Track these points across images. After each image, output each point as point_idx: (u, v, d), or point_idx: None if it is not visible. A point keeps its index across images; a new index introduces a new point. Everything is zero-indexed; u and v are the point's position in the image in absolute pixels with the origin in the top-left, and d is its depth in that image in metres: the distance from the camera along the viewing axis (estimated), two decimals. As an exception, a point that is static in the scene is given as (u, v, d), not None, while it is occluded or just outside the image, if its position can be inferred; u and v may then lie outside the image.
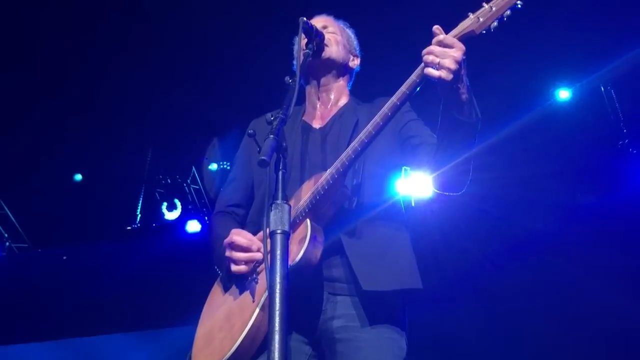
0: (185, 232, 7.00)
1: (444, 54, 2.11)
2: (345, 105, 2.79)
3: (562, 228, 6.51)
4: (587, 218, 6.52)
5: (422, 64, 2.18)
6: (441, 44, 2.13)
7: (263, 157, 1.85)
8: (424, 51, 2.16)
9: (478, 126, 2.25)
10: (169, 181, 7.04)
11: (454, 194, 2.49)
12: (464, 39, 2.18)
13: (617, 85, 6.12)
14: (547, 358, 6.50)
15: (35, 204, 7.07)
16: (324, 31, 2.71)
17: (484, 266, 6.70)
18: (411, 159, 2.59)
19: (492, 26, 2.17)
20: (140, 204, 6.93)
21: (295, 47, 2.91)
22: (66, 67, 6.22)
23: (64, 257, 7.46)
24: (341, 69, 2.82)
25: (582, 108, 6.22)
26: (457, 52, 2.12)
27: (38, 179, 6.97)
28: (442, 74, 2.11)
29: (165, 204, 6.99)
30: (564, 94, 6.21)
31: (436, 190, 2.51)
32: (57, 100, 6.44)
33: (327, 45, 2.70)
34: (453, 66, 2.10)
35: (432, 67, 2.12)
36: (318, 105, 2.81)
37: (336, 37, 2.80)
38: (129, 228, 6.92)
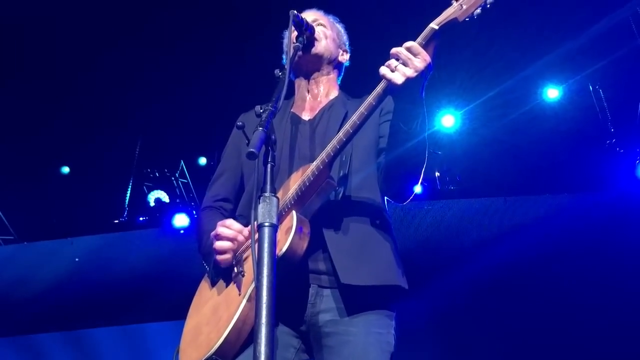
0: (172, 226, 6.97)
1: (407, 61, 2.19)
2: (335, 99, 2.78)
3: (549, 225, 6.56)
4: (573, 216, 6.57)
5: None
6: (410, 50, 2.20)
7: (252, 150, 1.84)
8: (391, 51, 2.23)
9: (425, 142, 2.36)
10: (157, 175, 7.01)
11: (398, 203, 2.56)
12: (447, 27, 2.21)
13: (605, 85, 6.16)
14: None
15: (22, 196, 7.02)
16: (314, 24, 2.70)
17: (470, 263, 6.75)
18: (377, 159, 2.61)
19: (475, 13, 2.19)
20: (128, 197, 6.90)
21: (285, 41, 2.90)
22: (54, 58, 6.18)
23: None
24: (331, 63, 2.81)
25: (571, 107, 6.25)
26: (420, 62, 2.19)
27: (25, 171, 6.92)
28: (395, 77, 2.20)
29: (152, 197, 6.96)
30: (552, 93, 6.24)
31: (385, 196, 2.57)
32: (45, 91, 6.39)
33: (317, 40, 2.69)
34: (410, 74, 2.19)
35: (389, 69, 2.22)
36: (308, 98, 2.79)
37: (326, 31, 2.78)
38: (116, 221, 6.89)
